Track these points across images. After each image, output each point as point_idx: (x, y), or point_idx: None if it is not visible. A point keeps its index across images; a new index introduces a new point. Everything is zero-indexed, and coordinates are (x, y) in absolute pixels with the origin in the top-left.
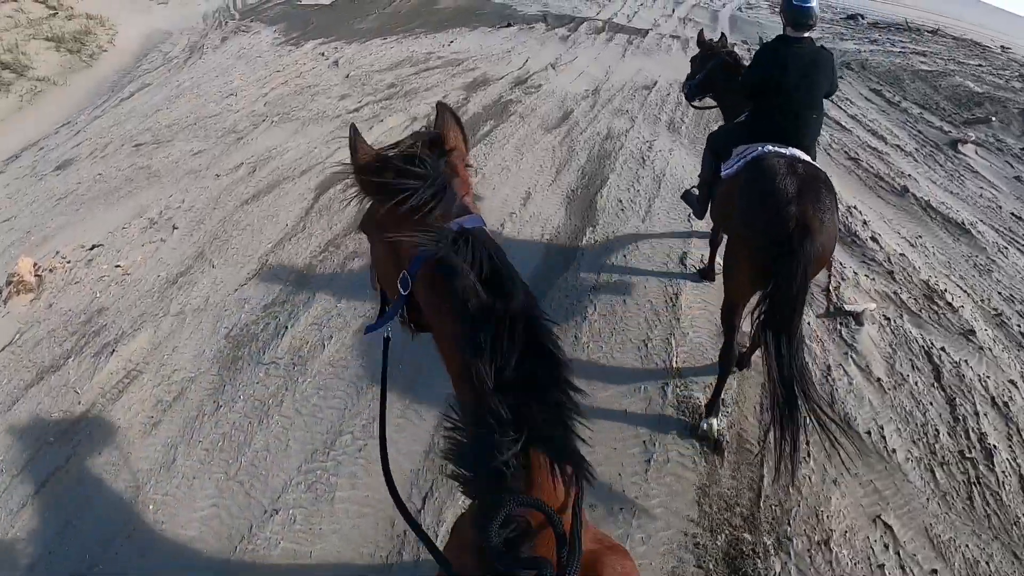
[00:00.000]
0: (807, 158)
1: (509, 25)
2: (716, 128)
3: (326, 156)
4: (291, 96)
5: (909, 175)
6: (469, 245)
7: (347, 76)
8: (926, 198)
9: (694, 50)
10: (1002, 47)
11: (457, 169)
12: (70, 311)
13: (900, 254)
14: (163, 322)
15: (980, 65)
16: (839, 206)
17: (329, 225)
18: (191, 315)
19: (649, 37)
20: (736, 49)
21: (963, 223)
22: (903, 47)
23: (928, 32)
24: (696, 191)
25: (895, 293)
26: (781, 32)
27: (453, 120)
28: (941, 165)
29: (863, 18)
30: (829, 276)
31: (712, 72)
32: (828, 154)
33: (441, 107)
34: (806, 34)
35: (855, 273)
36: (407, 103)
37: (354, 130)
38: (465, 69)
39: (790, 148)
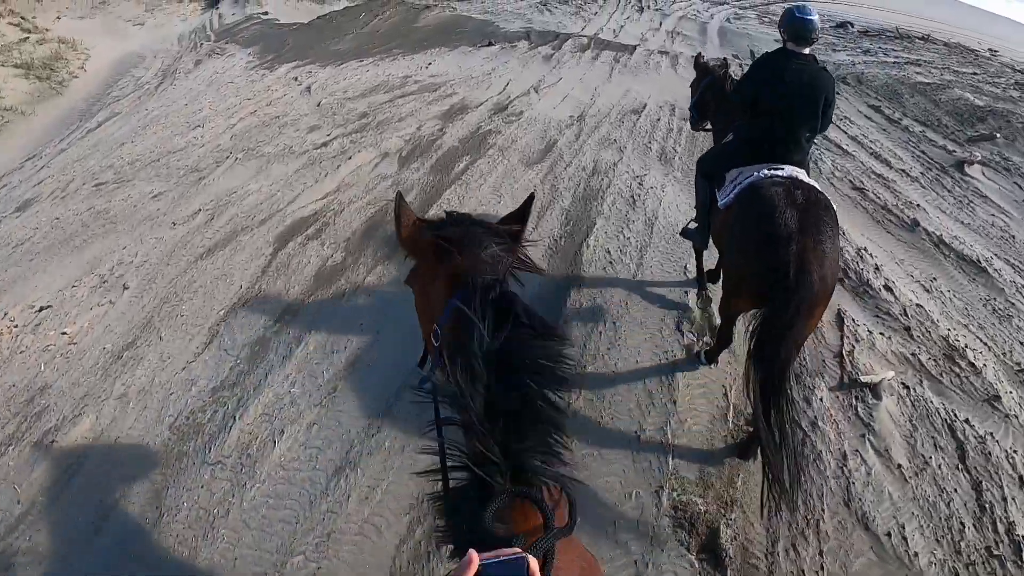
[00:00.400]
0: (805, 178)
1: (490, 44)
2: (706, 151)
3: (287, 202)
4: (259, 128)
5: (918, 205)
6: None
7: (318, 104)
8: (938, 232)
9: (684, 66)
10: (990, 50)
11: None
12: (13, 387)
13: (916, 304)
14: (106, 406)
15: (975, 74)
16: (840, 232)
17: (286, 287)
18: (135, 398)
19: (637, 54)
20: (733, 69)
21: (978, 260)
22: (897, 57)
23: (919, 39)
24: (694, 224)
25: (913, 355)
26: (781, 46)
27: (523, 211)
28: (949, 191)
29: (852, 26)
30: (842, 339)
31: (704, 93)
32: (832, 184)
33: (529, 199)
34: (807, 50)
35: (869, 332)
36: (378, 136)
37: (400, 198)
38: (442, 95)
39: (785, 167)
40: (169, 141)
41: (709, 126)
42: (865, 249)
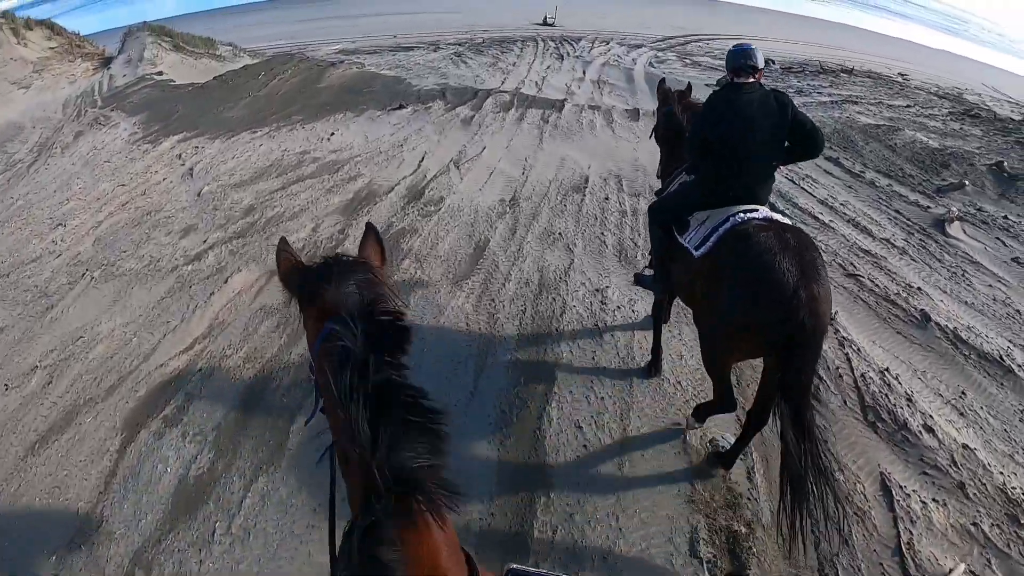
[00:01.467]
0: (783, 218)
1: (401, 107)
2: (657, 196)
3: (143, 355)
4: (126, 229)
5: (918, 288)
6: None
7: (199, 194)
8: (949, 325)
9: (620, 123)
10: (900, 75)
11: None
12: None
13: (962, 446)
14: None
15: (909, 107)
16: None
17: (134, 517)
18: None
19: (566, 111)
20: (695, 96)
21: (1000, 357)
22: (830, 94)
23: (844, 73)
24: (649, 271)
25: (975, 524)
26: (728, 83)
27: (374, 239)
28: (939, 260)
29: (773, 63)
30: (896, 525)
31: (658, 125)
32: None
33: (368, 227)
34: (751, 79)
35: (923, 504)
36: (264, 242)
37: (284, 243)
38: (345, 177)
39: (760, 208)
40: (25, 246)
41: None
42: (888, 371)
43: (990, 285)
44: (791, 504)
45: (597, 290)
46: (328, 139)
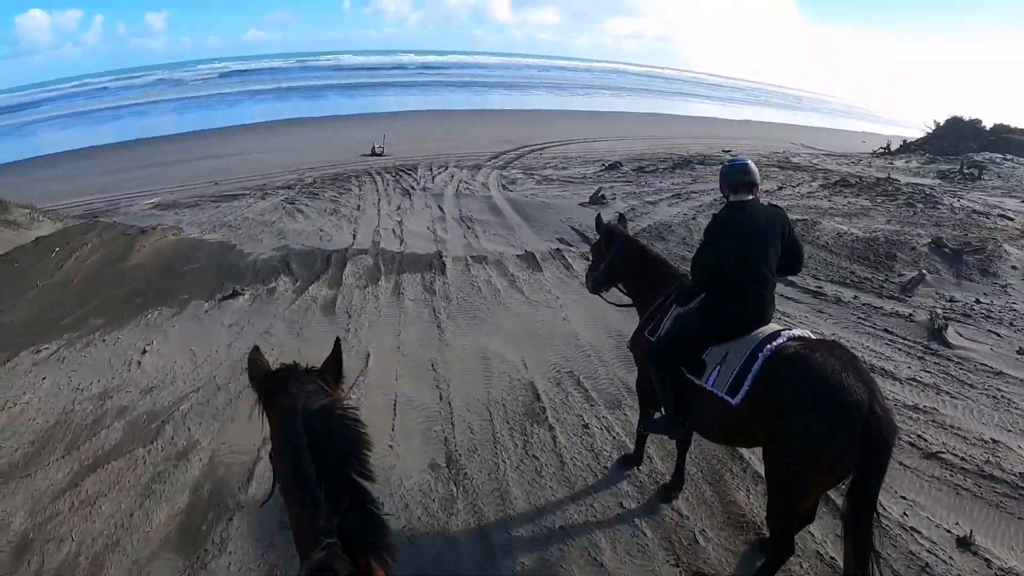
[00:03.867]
0: (808, 333)
1: (236, 294)
2: (647, 333)
3: None
4: None
5: (992, 440)
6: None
7: None
8: None
9: (522, 278)
10: (723, 151)
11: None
12: None
13: None
14: None
15: (781, 188)
16: None
17: None
18: None
19: (451, 270)
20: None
21: None
22: (703, 191)
23: (697, 164)
24: (658, 414)
25: None
26: (727, 203)
27: (335, 357)
28: (972, 386)
29: (622, 165)
30: None
31: (615, 259)
32: (903, 463)
33: (335, 343)
34: (750, 196)
35: None
36: None
37: (256, 351)
38: (170, 453)
39: (782, 330)
40: None
41: (622, 298)
42: None
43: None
44: None
45: None
46: (139, 363)
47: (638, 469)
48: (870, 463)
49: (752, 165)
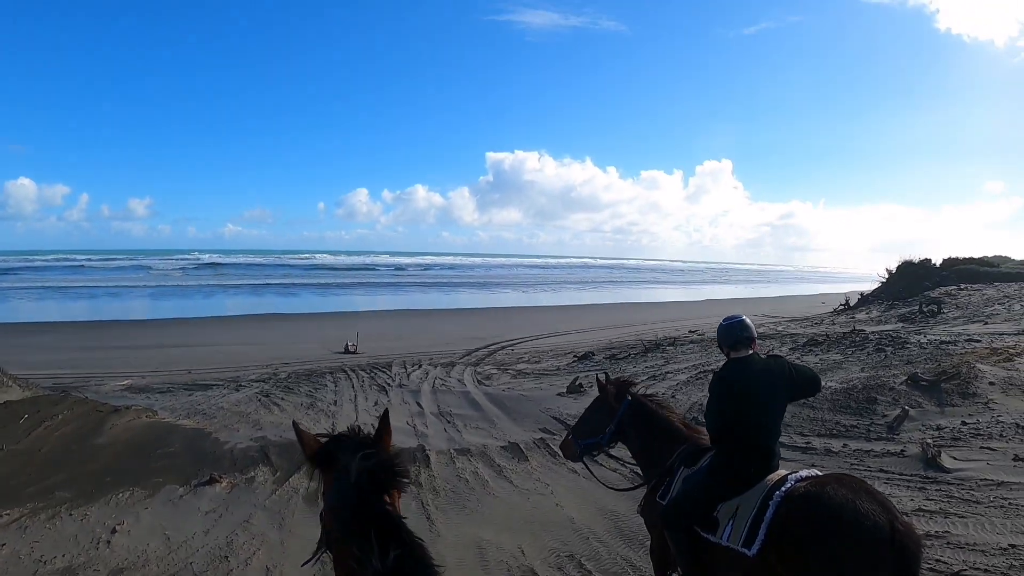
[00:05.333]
0: (814, 471)
1: (213, 480)
2: (657, 497)
3: None
4: None
5: (1007, 547)
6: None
7: None
8: None
9: (509, 468)
10: (690, 331)
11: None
12: None
13: None
14: None
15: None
16: None
17: None
18: None
19: (435, 464)
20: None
21: None
22: (680, 370)
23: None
24: None
25: None
26: (727, 361)
27: (386, 424)
28: (978, 502)
29: (594, 355)
30: None
31: (624, 418)
32: None
33: (385, 413)
34: (750, 351)
35: None
36: None
37: (297, 427)
38: None
39: (788, 473)
40: None
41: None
42: None
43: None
44: None
45: None
46: (108, 542)
47: None
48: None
49: (748, 320)
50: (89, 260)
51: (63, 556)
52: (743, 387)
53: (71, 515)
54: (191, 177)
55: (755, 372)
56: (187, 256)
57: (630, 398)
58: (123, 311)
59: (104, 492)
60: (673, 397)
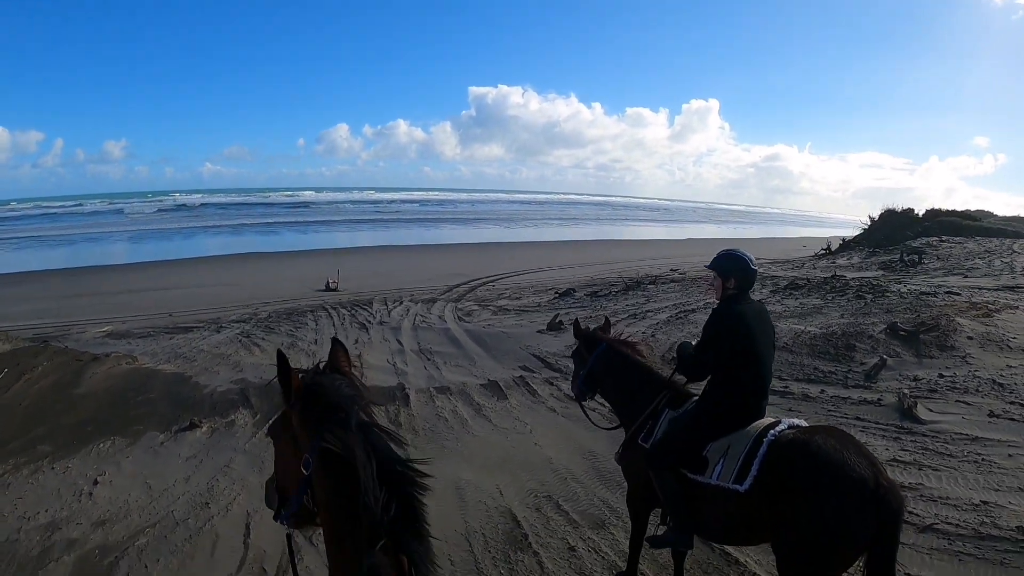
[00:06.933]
0: (801, 422)
1: (193, 426)
2: (639, 441)
3: None
4: None
5: (980, 503)
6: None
7: None
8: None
9: (488, 406)
10: (671, 269)
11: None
12: None
13: None
14: None
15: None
16: None
17: None
18: None
19: (415, 402)
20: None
21: None
22: (664, 308)
23: (648, 284)
24: (668, 530)
25: None
26: (729, 295)
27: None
28: (953, 456)
29: (575, 291)
30: None
31: (596, 363)
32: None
33: (335, 343)
34: (751, 294)
35: None
36: None
37: (282, 357)
38: None
39: (783, 419)
40: None
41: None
42: None
43: (1010, 455)
44: None
45: None
46: (90, 494)
47: None
48: (883, 535)
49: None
50: (63, 206)
51: (46, 511)
52: (748, 330)
53: (53, 468)
54: (168, 117)
55: (756, 311)
56: (166, 197)
57: (603, 343)
58: (102, 256)
59: (85, 443)
60: (653, 336)
